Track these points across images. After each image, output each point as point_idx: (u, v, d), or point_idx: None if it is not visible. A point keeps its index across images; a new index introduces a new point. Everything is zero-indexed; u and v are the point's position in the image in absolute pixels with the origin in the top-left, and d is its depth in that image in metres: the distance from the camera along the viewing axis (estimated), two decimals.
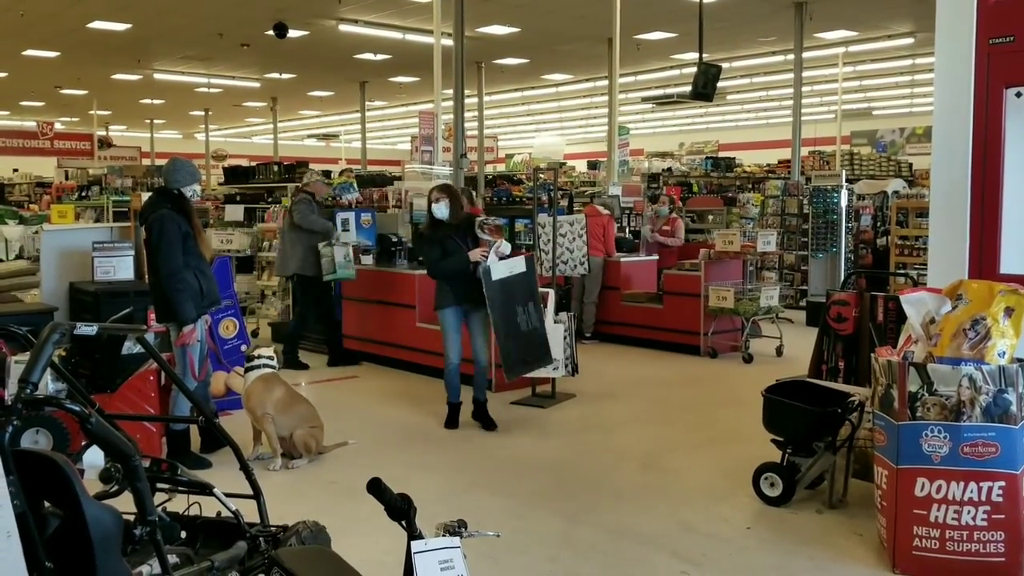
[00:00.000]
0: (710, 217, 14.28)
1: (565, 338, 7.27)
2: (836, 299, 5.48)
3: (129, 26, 15.82)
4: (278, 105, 26.06)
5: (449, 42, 10.90)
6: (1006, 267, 4.40)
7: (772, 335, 9.54)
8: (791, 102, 15.49)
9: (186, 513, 2.94)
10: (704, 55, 11.92)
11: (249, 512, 2.97)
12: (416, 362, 8.45)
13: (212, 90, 23.31)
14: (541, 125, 32.23)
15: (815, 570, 4.10)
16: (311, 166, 14.55)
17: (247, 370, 5.65)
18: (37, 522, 2.06)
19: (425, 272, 8.44)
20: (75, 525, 2.07)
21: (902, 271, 9.77)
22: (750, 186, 16.86)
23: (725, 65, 15.72)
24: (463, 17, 10.73)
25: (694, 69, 12.17)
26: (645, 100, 21.55)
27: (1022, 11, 4.37)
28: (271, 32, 15.33)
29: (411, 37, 16.06)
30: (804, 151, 16.61)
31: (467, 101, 11.51)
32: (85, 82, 22.39)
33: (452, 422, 6.57)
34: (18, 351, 5.48)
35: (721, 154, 22.19)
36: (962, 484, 3.83)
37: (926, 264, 4.97)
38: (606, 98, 16.43)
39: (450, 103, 10.90)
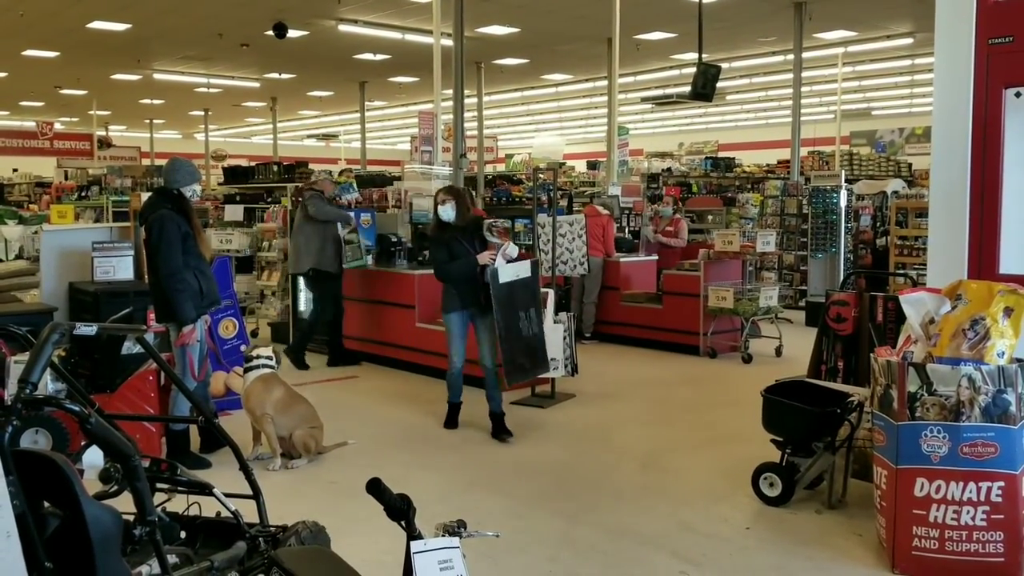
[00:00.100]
0: (709, 217, 14.28)
1: (565, 338, 7.27)
2: (835, 299, 5.48)
3: (129, 26, 15.82)
4: (278, 105, 26.07)
5: (449, 42, 10.90)
6: (1005, 267, 4.40)
7: (771, 335, 9.54)
8: (790, 102, 15.50)
9: (186, 513, 2.95)
10: (704, 55, 11.92)
11: (249, 512, 2.97)
12: (416, 362, 8.45)
13: (212, 90, 23.32)
14: (541, 125, 32.23)
15: (814, 570, 4.11)
16: (311, 167, 14.59)
17: (246, 370, 5.65)
18: (37, 522, 2.06)
19: (424, 272, 8.50)
20: (75, 525, 2.07)
21: (901, 271, 9.77)
22: (749, 186, 16.86)
23: (724, 65, 15.73)
24: (463, 17, 10.73)
25: (694, 69, 12.16)
26: (645, 100, 21.55)
27: (1021, 11, 4.37)
28: (271, 32, 15.33)
29: (411, 37, 16.06)
30: (803, 151, 16.62)
31: (467, 101, 11.51)
32: (85, 82, 22.39)
33: (451, 422, 6.56)
34: (18, 351, 5.48)
35: (721, 154, 22.18)
36: (961, 484, 3.83)
37: (925, 264, 4.98)
38: (606, 98, 16.44)
39: (450, 103, 10.90)
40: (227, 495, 2.89)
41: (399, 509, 2.15)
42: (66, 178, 18.73)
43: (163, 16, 15.01)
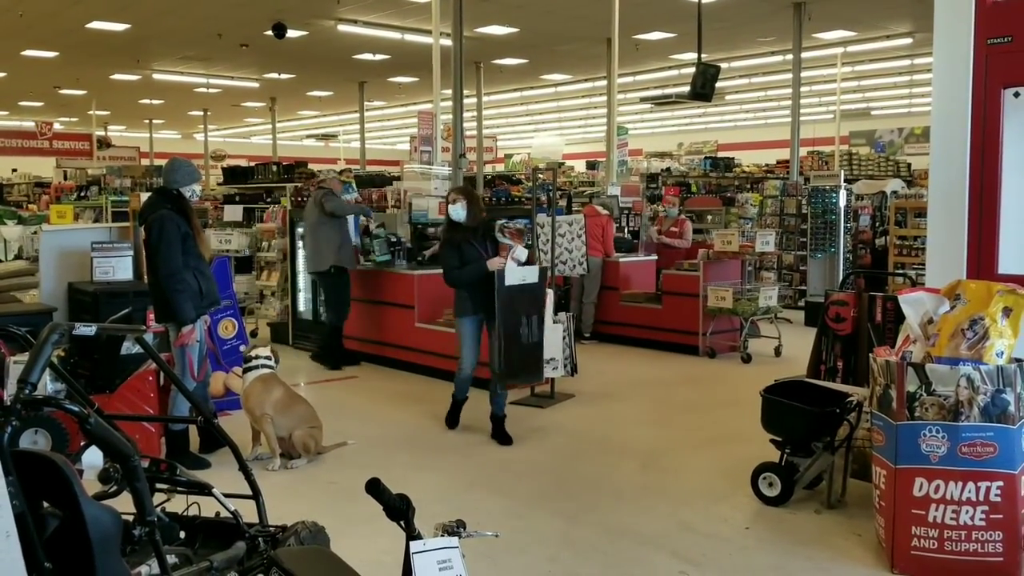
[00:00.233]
0: (709, 217, 14.28)
1: (564, 338, 7.27)
2: (835, 299, 5.49)
3: (128, 26, 15.82)
4: (277, 105, 26.06)
5: (448, 42, 10.90)
6: (1004, 267, 4.40)
7: (771, 335, 9.54)
8: (790, 102, 15.50)
9: (185, 513, 2.95)
10: (703, 55, 11.92)
11: (248, 512, 2.97)
12: (415, 362, 8.45)
13: (211, 90, 23.31)
14: (540, 125, 32.24)
15: (814, 570, 4.11)
16: (310, 167, 14.58)
17: (245, 370, 5.65)
18: (36, 522, 2.06)
19: (424, 272, 8.51)
20: (74, 525, 2.07)
21: (901, 271, 9.77)
22: (749, 186, 16.86)
23: (724, 65, 15.73)
24: (462, 17, 10.73)
25: (693, 69, 12.17)
26: (644, 100, 21.55)
27: (1020, 11, 4.38)
28: (270, 32, 15.33)
29: (410, 37, 16.06)
30: (803, 151, 16.62)
31: (466, 101, 11.51)
32: (84, 82, 22.39)
33: (453, 419, 6.49)
34: (17, 351, 5.48)
35: (720, 154, 22.19)
36: (960, 484, 3.83)
37: (924, 264, 4.98)
38: (605, 98, 16.45)
39: (449, 103, 10.90)
40: (226, 495, 2.89)
41: (398, 509, 2.15)
42: (65, 178, 18.74)
43: (162, 16, 15.00)
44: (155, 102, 26.29)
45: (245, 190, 13.35)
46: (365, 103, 23.87)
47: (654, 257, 10.95)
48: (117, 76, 21.48)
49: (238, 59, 19.24)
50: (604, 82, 17.14)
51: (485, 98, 22.49)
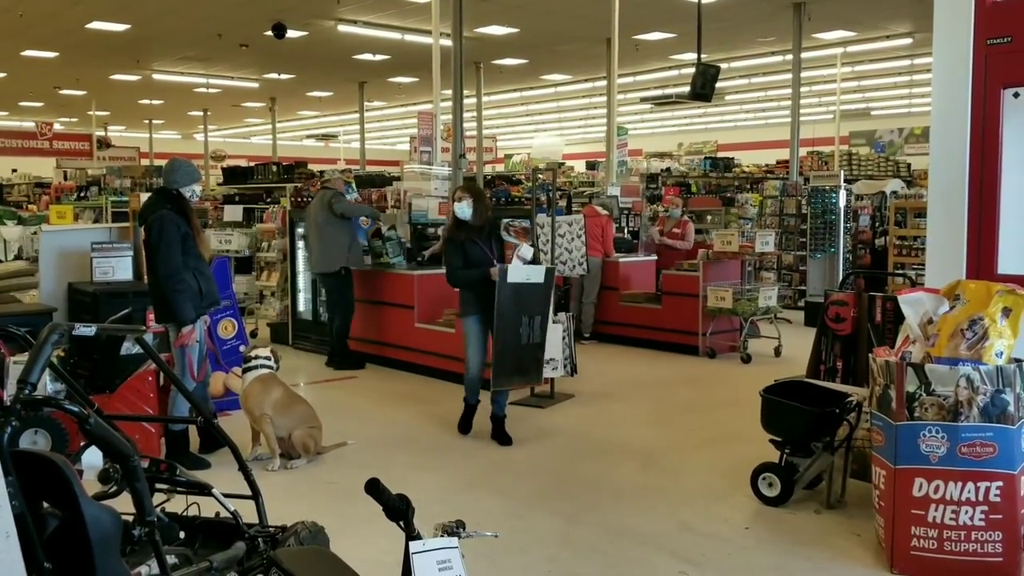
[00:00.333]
0: (708, 217, 14.29)
1: (564, 338, 7.27)
2: (834, 299, 5.49)
3: (128, 26, 15.82)
4: (277, 105, 26.06)
5: (448, 42, 10.90)
6: (1004, 267, 4.40)
7: (770, 335, 9.55)
8: (790, 102, 15.50)
9: (185, 513, 2.95)
10: (703, 55, 11.92)
11: (248, 513, 2.97)
12: (415, 362, 8.46)
13: (211, 90, 23.32)
14: (540, 125, 32.24)
15: (813, 570, 4.11)
16: (310, 167, 14.58)
17: (245, 371, 5.65)
18: (36, 523, 2.06)
19: (423, 272, 8.52)
20: (74, 526, 2.07)
21: (900, 271, 9.78)
22: (749, 186, 16.87)
23: (724, 65, 15.73)
24: (462, 17, 10.73)
25: (693, 69, 12.17)
26: (644, 100, 21.53)
27: (1019, 12, 4.38)
28: (270, 32, 15.34)
29: (410, 37, 16.07)
30: (803, 151, 16.63)
31: (466, 101, 11.51)
32: (84, 82, 22.39)
33: (466, 424, 6.29)
34: (17, 352, 5.49)
35: (720, 154, 22.21)
36: (960, 484, 3.83)
37: (924, 264, 4.98)
38: (605, 98, 16.44)
39: (449, 103, 10.90)
40: (226, 495, 2.89)
41: (398, 509, 2.15)
42: (65, 178, 18.74)
43: (162, 16, 15.01)
44: (155, 102, 26.29)
45: (245, 190, 13.36)
46: (365, 103, 23.87)
47: (654, 257, 10.95)
48: (117, 76, 21.49)
49: (238, 59, 19.24)
50: (604, 82, 17.13)
51: (485, 98, 22.50)
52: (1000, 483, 3.80)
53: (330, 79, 22.31)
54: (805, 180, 14.38)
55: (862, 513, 4.61)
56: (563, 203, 12.89)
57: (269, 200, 12.49)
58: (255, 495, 3.02)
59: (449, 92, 10.88)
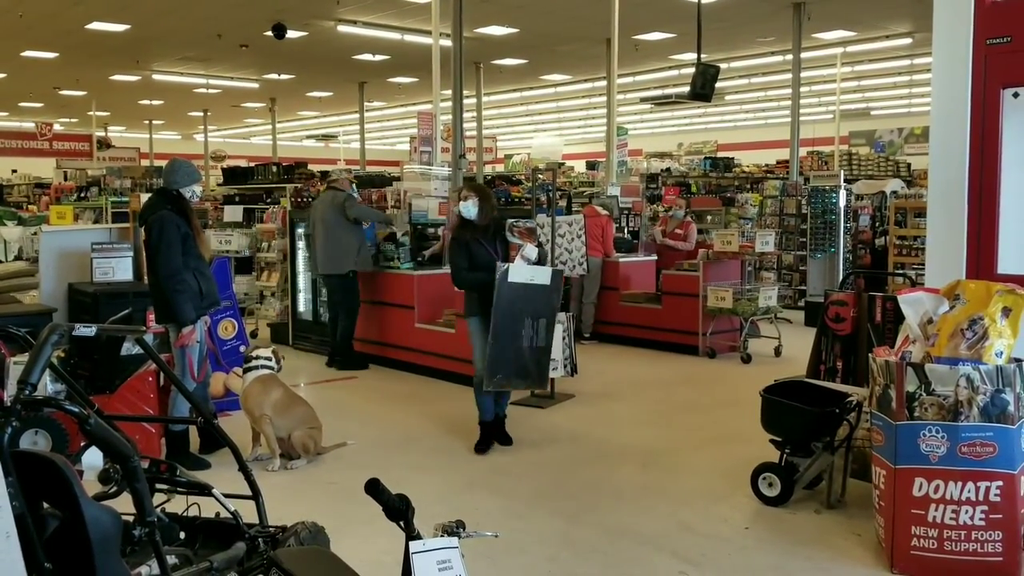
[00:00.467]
0: (708, 217, 14.30)
1: (564, 338, 7.27)
2: (834, 299, 5.49)
3: (128, 27, 15.82)
4: (277, 106, 26.06)
5: (448, 43, 10.91)
6: (1003, 267, 4.40)
7: (770, 335, 9.55)
8: (789, 102, 15.50)
9: (185, 514, 2.95)
10: (702, 55, 11.92)
11: (248, 513, 2.97)
12: (415, 363, 8.46)
13: (211, 91, 23.32)
14: (540, 125, 32.24)
15: (813, 570, 4.11)
16: (310, 167, 14.58)
17: (245, 371, 5.65)
18: (36, 523, 2.07)
19: (424, 272, 8.52)
20: (74, 526, 2.07)
21: (900, 271, 9.78)
22: (749, 186, 16.87)
23: (723, 65, 15.74)
24: (461, 18, 10.73)
25: (692, 69, 12.17)
26: (644, 100, 21.55)
27: (1019, 12, 4.38)
28: (270, 33, 15.34)
29: (410, 38, 16.07)
30: (803, 151, 16.63)
31: (466, 102, 11.51)
32: (84, 83, 22.39)
33: (483, 445, 5.98)
34: (17, 352, 5.48)
35: (720, 154, 22.19)
36: (960, 484, 3.83)
37: (924, 264, 4.98)
38: (605, 98, 16.45)
39: (449, 104, 10.90)
40: (226, 496, 2.89)
41: (398, 509, 2.15)
42: (65, 179, 18.75)
43: (162, 17, 15.01)
44: (155, 103, 26.30)
45: (245, 191, 13.36)
46: (365, 103, 23.87)
47: (654, 257, 10.95)
48: (117, 77, 21.49)
49: (238, 59, 19.24)
50: (604, 82, 17.14)
51: (485, 98, 22.50)
52: (1000, 483, 3.80)
53: (330, 79, 22.31)
54: (805, 180, 14.38)
55: (862, 513, 4.61)
56: (563, 203, 12.90)
57: (269, 200, 12.50)
58: (255, 495, 3.03)
59: (449, 92, 10.88)
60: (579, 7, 14.20)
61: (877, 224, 12.43)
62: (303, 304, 10.16)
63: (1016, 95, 4.37)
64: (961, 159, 4.51)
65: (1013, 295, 3.91)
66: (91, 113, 25.32)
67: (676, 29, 16.00)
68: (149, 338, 5.10)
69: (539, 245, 6.01)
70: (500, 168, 24.57)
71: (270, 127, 27.40)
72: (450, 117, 10.89)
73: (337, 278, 8.61)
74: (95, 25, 15.69)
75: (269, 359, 5.67)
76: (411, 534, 2.15)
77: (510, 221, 6.04)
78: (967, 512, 3.83)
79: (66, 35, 16.43)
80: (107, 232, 8.16)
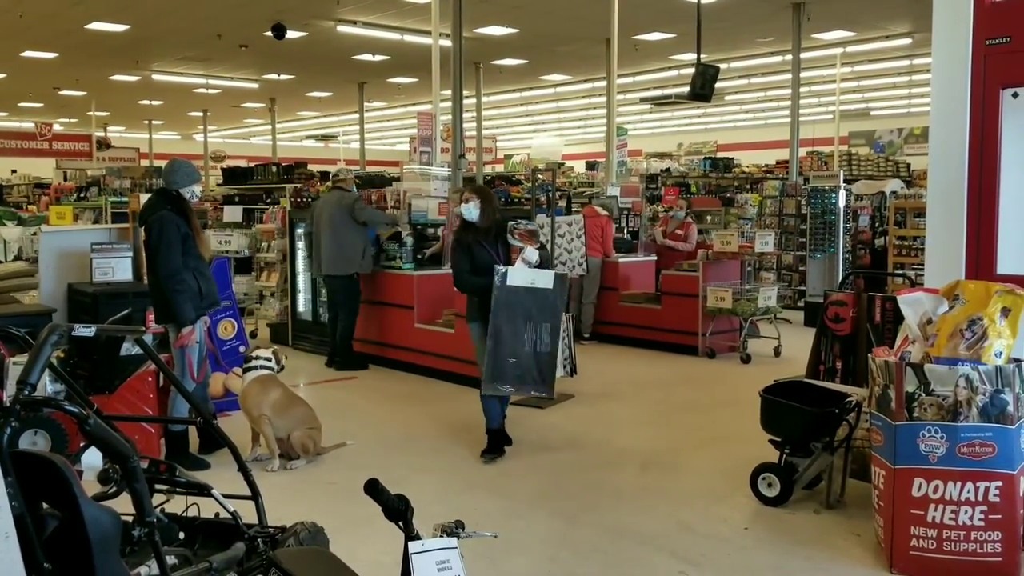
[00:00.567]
0: (708, 218, 14.30)
1: (564, 338, 7.27)
2: (834, 299, 5.49)
3: (128, 27, 15.82)
4: (277, 106, 26.06)
5: (447, 43, 10.91)
6: (1003, 267, 4.41)
7: (770, 335, 9.55)
8: (789, 103, 15.50)
9: (184, 514, 2.95)
10: (702, 56, 11.92)
11: (247, 513, 2.97)
12: (414, 363, 8.46)
13: (211, 91, 23.32)
14: (539, 126, 32.25)
15: (813, 570, 4.11)
16: (310, 167, 14.58)
17: (245, 371, 5.65)
18: (35, 523, 2.07)
19: (423, 273, 8.52)
20: (73, 526, 2.07)
21: (900, 271, 9.78)
22: (748, 186, 16.87)
23: (723, 66, 15.74)
24: (461, 18, 10.73)
25: (692, 70, 12.17)
26: (643, 101, 21.55)
27: (1018, 12, 4.38)
28: (270, 33, 15.33)
29: (409, 38, 16.07)
30: (802, 151, 16.63)
31: (465, 102, 11.52)
32: (84, 83, 22.39)
33: (492, 450, 5.83)
34: (16, 352, 5.49)
35: (719, 154, 22.21)
36: (959, 484, 3.84)
37: (923, 264, 4.98)
38: (604, 99, 16.45)
39: (448, 104, 10.90)
40: (226, 496, 2.90)
41: (397, 510, 2.16)
42: (65, 179, 18.76)
43: (162, 17, 15.01)
44: (155, 103, 26.30)
45: (245, 191, 13.37)
46: (365, 104, 23.88)
47: (653, 257, 10.95)
48: (117, 77, 21.49)
49: (238, 60, 19.24)
50: (604, 82, 17.14)
51: (485, 99, 22.50)
52: (999, 483, 3.80)
53: (330, 79, 22.31)
54: (805, 180, 14.38)
55: (861, 513, 4.61)
56: (563, 203, 12.90)
57: (269, 200, 12.50)
58: (255, 496, 3.03)
59: (449, 92, 10.88)
60: (579, 7, 14.20)
61: (877, 224, 12.44)
62: (303, 304, 10.16)
63: (1015, 95, 4.37)
64: (960, 159, 4.51)
65: (1012, 295, 3.91)
66: (91, 113, 25.32)
67: (676, 29, 16.00)
68: (148, 338, 5.10)
69: (541, 247, 5.92)
70: (500, 168, 24.59)
71: (270, 127, 27.40)
72: (450, 117, 10.89)
73: (340, 279, 8.58)
74: (95, 25, 15.69)
75: (269, 360, 5.67)
76: (410, 534, 2.15)
77: (511, 223, 5.95)
78: (966, 512, 3.83)
79: (66, 35, 16.43)
80: (107, 232, 8.16)
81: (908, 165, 20.75)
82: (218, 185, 16.90)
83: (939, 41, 4.65)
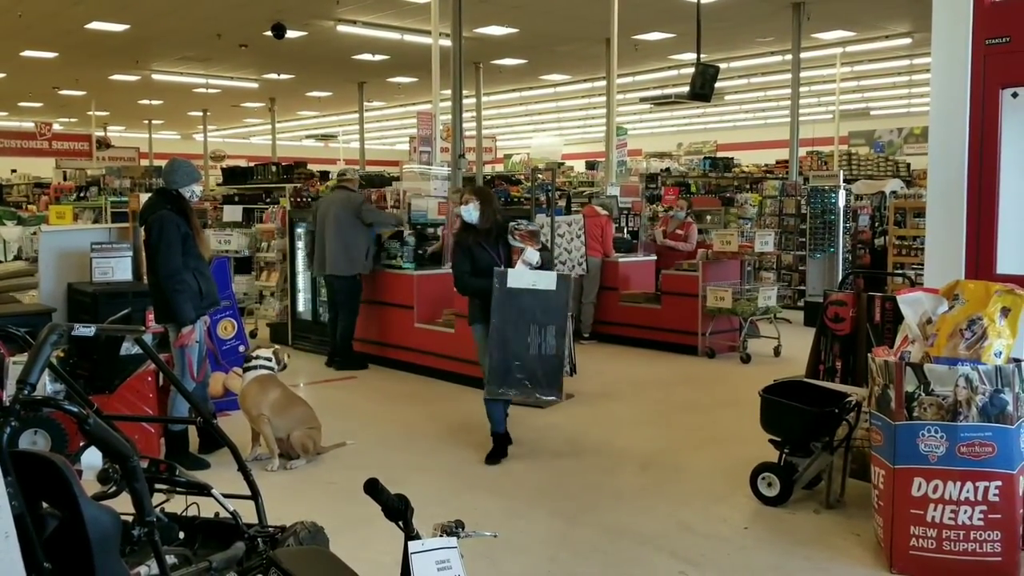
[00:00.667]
0: (708, 217, 14.30)
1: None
2: (834, 299, 5.49)
3: (127, 27, 15.82)
4: (276, 106, 26.06)
5: (447, 42, 10.91)
6: (1002, 267, 4.41)
7: (770, 335, 9.55)
8: (789, 102, 15.50)
9: (184, 514, 2.95)
10: (702, 55, 11.92)
11: (247, 513, 2.97)
12: (414, 362, 8.46)
13: (210, 91, 23.31)
14: (539, 125, 32.24)
15: (812, 570, 4.11)
16: (310, 167, 14.57)
17: (245, 371, 5.66)
18: (35, 523, 2.07)
19: (423, 272, 8.52)
20: (73, 526, 2.07)
21: (900, 271, 9.78)
22: (748, 186, 16.87)
23: (723, 65, 15.73)
24: (461, 18, 10.73)
25: (692, 69, 12.17)
26: (643, 100, 21.55)
27: (1018, 12, 4.38)
28: (269, 33, 15.33)
29: (409, 38, 16.07)
30: (802, 151, 16.62)
31: (465, 101, 11.52)
32: (83, 83, 22.38)
33: (496, 455, 5.79)
34: (16, 352, 5.49)
35: (719, 154, 22.21)
36: (959, 484, 3.84)
37: (923, 264, 4.99)
38: (604, 98, 16.45)
39: (448, 103, 10.90)
40: (226, 496, 2.90)
41: (397, 509, 2.16)
42: (65, 179, 18.77)
43: (162, 17, 15.00)
44: (154, 102, 26.29)
45: (244, 190, 13.36)
46: (364, 103, 23.87)
47: (653, 257, 10.95)
48: (116, 76, 21.48)
49: (237, 59, 19.24)
50: (603, 82, 17.13)
51: (484, 98, 22.49)
52: (999, 483, 3.81)
53: (329, 79, 22.31)
54: (804, 180, 14.37)
55: (861, 513, 4.62)
56: (562, 203, 12.90)
57: (268, 200, 12.49)
58: (254, 495, 3.03)
59: (448, 92, 10.88)
60: (579, 7, 14.20)
61: (876, 224, 12.44)
62: (302, 304, 10.16)
63: (1015, 95, 4.38)
64: (960, 159, 4.52)
65: (1012, 295, 3.91)
66: (90, 113, 25.32)
67: (676, 29, 16.00)
68: (148, 338, 5.10)
69: (543, 248, 5.85)
70: (499, 168, 24.56)
71: (270, 127, 27.40)
72: (449, 117, 10.89)
73: (343, 279, 8.58)
74: (95, 25, 15.69)
75: (269, 359, 5.67)
76: (410, 534, 2.15)
77: (511, 224, 5.91)
78: (966, 512, 3.83)
79: (65, 35, 16.42)
80: (106, 232, 8.16)
81: (908, 165, 20.74)
82: (218, 185, 16.89)
83: (939, 41, 4.65)
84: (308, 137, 36.10)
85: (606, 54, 14.45)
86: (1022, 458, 3.85)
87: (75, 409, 2.21)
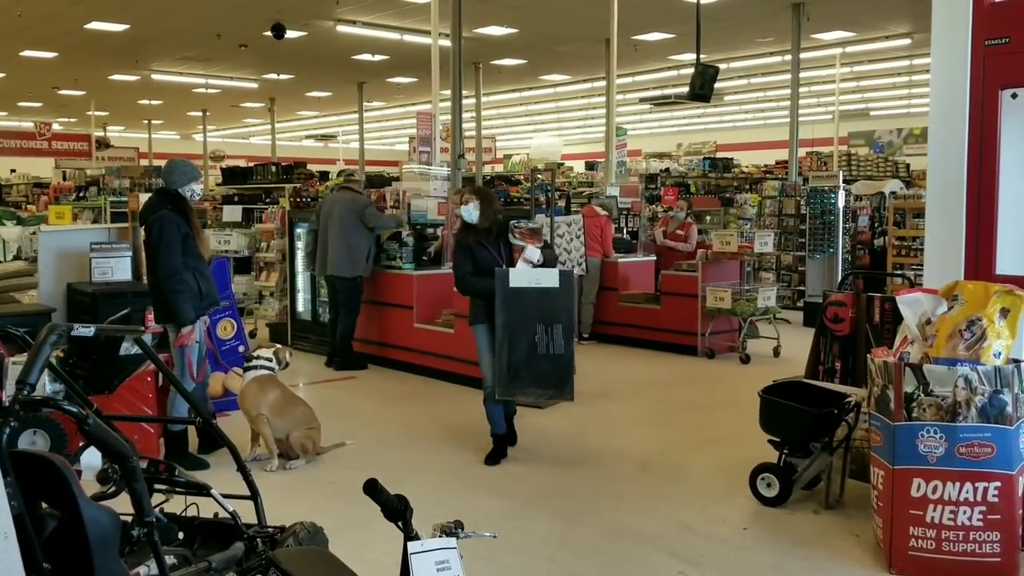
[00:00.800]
0: (708, 218, 14.30)
1: None
2: (833, 300, 5.49)
3: (127, 27, 15.81)
4: (276, 106, 26.05)
5: (447, 43, 10.91)
6: (1002, 268, 4.41)
7: (769, 336, 9.55)
8: (789, 103, 15.50)
9: (184, 514, 2.95)
10: (702, 56, 11.92)
11: (247, 513, 2.97)
12: (414, 363, 8.46)
13: (210, 91, 23.31)
14: (539, 126, 32.24)
15: (812, 570, 4.11)
16: (310, 167, 14.57)
17: (245, 371, 5.66)
18: (34, 523, 2.07)
19: (423, 272, 8.52)
20: (72, 526, 2.07)
21: (899, 272, 9.78)
22: (748, 187, 16.88)
23: (723, 66, 15.74)
24: (460, 18, 10.73)
25: (692, 70, 12.17)
26: (643, 101, 21.55)
27: (1018, 13, 4.38)
28: (269, 33, 15.33)
29: (409, 38, 16.07)
30: (802, 152, 16.63)
31: (465, 102, 11.52)
32: (83, 83, 22.37)
33: (496, 456, 5.77)
34: (16, 352, 5.48)
35: (719, 155, 22.23)
36: (958, 484, 3.84)
37: (923, 265, 4.99)
38: (604, 99, 16.45)
39: (448, 104, 10.90)
40: (225, 496, 2.90)
41: (396, 510, 2.16)
42: (64, 179, 18.78)
43: (161, 17, 15.00)
44: (154, 102, 26.28)
45: (244, 191, 13.36)
46: (364, 104, 23.87)
47: (653, 257, 10.95)
48: (116, 76, 21.48)
49: (237, 59, 19.24)
50: (603, 83, 17.13)
51: (484, 99, 22.50)
52: (998, 483, 3.81)
53: (329, 79, 22.30)
54: (804, 180, 14.37)
55: (860, 513, 4.62)
56: (562, 203, 12.89)
57: (268, 200, 12.49)
58: (254, 495, 3.03)
59: (448, 92, 10.88)
60: (578, 7, 14.20)
61: (876, 225, 12.43)
62: (302, 304, 10.16)
63: (1014, 96, 4.38)
64: (960, 160, 4.52)
65: (1011, 296, 3.91)
66: (90, 113, 25.30)
67: (675, 29, 16.00)
68: (148, 338, 5.11)
69: (545, 246, 5.80)
70: (499, 168, 24.56)
71: (269, 127, 27.40)
72: (449, 117, 10.89)
73: (345, 280, 8.57)
74: (94, 25, 15.68)
75: (269, 360, 5.68)
76: (409, 534, 2.15)
77: (512, 222, 5.88)
78: (965, 513, 3.84)
79: (65, 35, 16.42)
80: (106, 232, 8.16)
81: (907, 165, 20.74)
82: (217, 185, 16.89)
83: (938, 41, 4.65)
84: (308, 137, 36.10)
85: (606, 54, 14.45)
86: (1021, 459, 3.86)
87: (74, 409, 2.21)
